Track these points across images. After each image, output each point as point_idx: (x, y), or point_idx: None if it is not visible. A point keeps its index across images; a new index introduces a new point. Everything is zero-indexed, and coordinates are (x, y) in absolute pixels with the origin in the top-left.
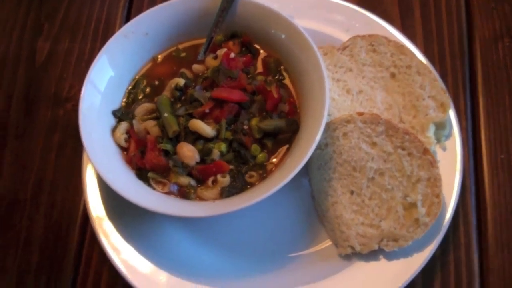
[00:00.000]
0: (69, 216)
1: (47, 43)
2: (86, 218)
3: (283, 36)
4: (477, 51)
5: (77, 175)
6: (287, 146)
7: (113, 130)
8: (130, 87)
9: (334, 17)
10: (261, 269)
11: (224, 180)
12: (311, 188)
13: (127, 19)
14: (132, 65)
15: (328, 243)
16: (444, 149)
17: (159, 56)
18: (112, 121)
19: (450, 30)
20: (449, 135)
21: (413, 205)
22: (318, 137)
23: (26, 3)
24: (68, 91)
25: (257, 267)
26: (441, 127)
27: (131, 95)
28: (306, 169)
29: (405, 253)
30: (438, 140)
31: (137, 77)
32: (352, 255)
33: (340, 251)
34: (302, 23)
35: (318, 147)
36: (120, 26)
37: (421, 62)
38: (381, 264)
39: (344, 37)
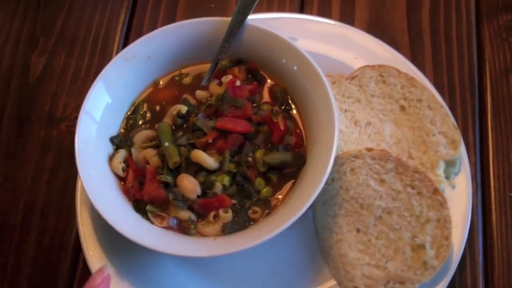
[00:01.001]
0: (61, 243)
1: (42, 57)
2: (78, 246)
3: (294, 68)
4: (487, 84)
5: (71, 200)
6: (292, 181)
7: (111, 158)
8: (129, 113)
9: (343, 42)
10: None
11: (227, 215)
12: (314, 224)
13: (127, 34)
14: (132, 89)
15: (332, 282)
16: (453, 187)
17: (161, 81)
18: (109, 148)
19: (461, 60)
20: (458, 172)
21: (421, 246)
22: (327, 174)
23: (21, 14)
24: (63, 111)
25: None
26: (451, 164)
27: (130, 121)
28: (311, 206)
29: None
30: (447, 177)
31: (136, 102)
32: None
33: None
34: (309, 46)
35: (324, 182)
36: (120, 42)
37: (432, 96)
38: None
39: (352, 64)
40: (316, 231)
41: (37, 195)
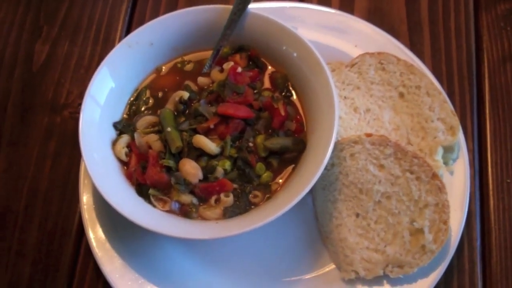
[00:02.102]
0: (64, 228)
1: (45, 45)
2: (81, 231)
3: (294, 54)
4: (485, 72)
5: (73, 186)
6: (293, 166)
7: (114, 143)
8: (132, 99)
9: (343, 31)
10: None
11: (228, 199)
12: (314, 209)
13: (130, 23)
14: (134, 76)
15: (331, 266)
16: (451, 173)
17: (163, 67)
18: (112, 133)
19: (459, 49)
20: (457, 158)
21: (420, 231)
22: (327, 159)
23: (24, 3)
24: (66, 98)
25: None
26: (449, 150)
27: (133, 107)
28: (310, 189)
29: (410, 279)
30: (446, 163)
31: (139, 88)
32: (356, 280)
33: (344, 276)
34: (309, 35)
35: (324, 167)
36: (122, 31)
37: (431, 83)
38: None
39: (352, 52)
40: (316, 216)
41: (41, 181)
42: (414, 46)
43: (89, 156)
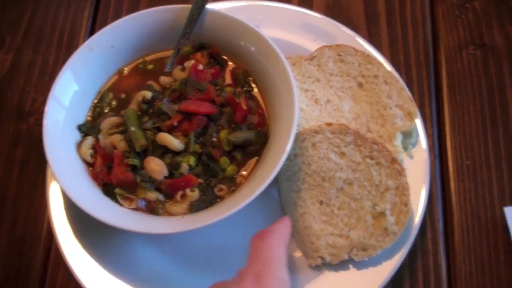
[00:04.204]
0: (33, 232)
1: (9, 54)
2: (50, 234)
3: (252, 48)
4: (442, 59)
5: (41, 190)
6: (256, 158)
7: (79, 145)
8: (95, 101)
9: (302, 27)
10: None
11: (193, 194)
12: (280, 199)
13: (92, 29)
14: (97, 79)
15: (298, 254)
16: (411, 157)
17: (125, 69)
18: (77, 136)
19: (416, 38)
20: (416, 143)
21: (382, 214)
22: (288, 149)
23: None
24: (32, 105)
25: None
26: (408, 135)
27: (97, 109)
28: (275, 180)
29: (374, 262)
30: (405, 149)
31: (102, 90)
32: (323, 265)
33: (310, 262)
34: (270, 32)
35: (287, 158)
36: (85, 37)
37: (388, 72)
38: (352, 274)
39: (312, 46)
40: (282, 207)
41: (9, 187)
42: (372, 37)
43: (54, 158)
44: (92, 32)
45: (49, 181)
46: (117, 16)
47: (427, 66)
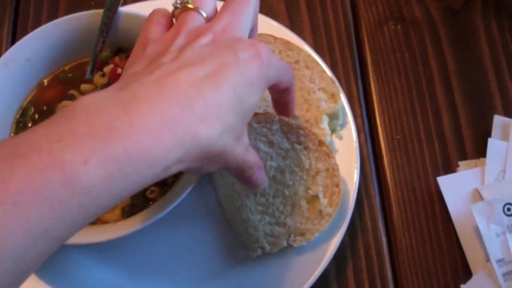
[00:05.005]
0: None
1: None
2: None
3: None
4: (364, 38)
5: None
6: None
7: None
8: (18, 117)
9: None
10: (179, 285)
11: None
12: (217, 196)
13: (13, 44)
14: (17, 94)
15: (240, 246)
16: (340, 138)
17: (45, 81)
18: None
19: (336, 20)
20: (344, 124)
21: (315, 197)
22: None
23: None
24: None
25: (175, 283)
26: (335, 117)
27: (20, 125)
28: (210, 177)
29: (314, 245)
30: (334, 130)
31: (23, 105)
32: (263, 255)
33: (252, 254)
34: None
35: None
36: None
37: (308, 55)
38: (293, 260)
39: None
40: (218, 202)
41: None
42: (294, 24)
43: None
44: None
45: None
46: (37, 27)
47: (349, 46)
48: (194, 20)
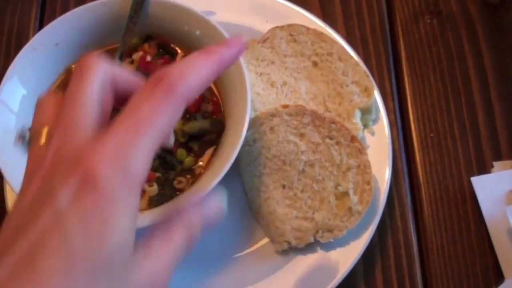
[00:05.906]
0: None
1: None
2: None
3: (197, 33)
4: (398, 32)
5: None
6: (214, 147)
7: None
8: None
9: (253, 9)
10: (200, 275)
11: (152, 189)
12: (243, 186)
13: (40, 28)
14: (45, 79)
15: (265, 240)
16: (372, 133)
17: (73, 66)
18: None
19: (370, 12)
20: (377, 119)
21: (345, 194)
22: (243, 134)
23: None
24: None
25: (199, 272)
26: (367, 111)
27: None
28: (237, 168)
29: (342, 242)
30: (366, 126)
31: (52, 90)
32: (290, 250)
33: (277, 247)
34: (219, 17)
35: (246, 143)
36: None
37: (342, 48)
38: (320, 256)
39: (264, 28)
40: (245, 193)
41: None
42: (326, 16)
43: (5, 164)
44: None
45: (7, 195)
46: (65, 10)
47: (384, 40)
48: None
